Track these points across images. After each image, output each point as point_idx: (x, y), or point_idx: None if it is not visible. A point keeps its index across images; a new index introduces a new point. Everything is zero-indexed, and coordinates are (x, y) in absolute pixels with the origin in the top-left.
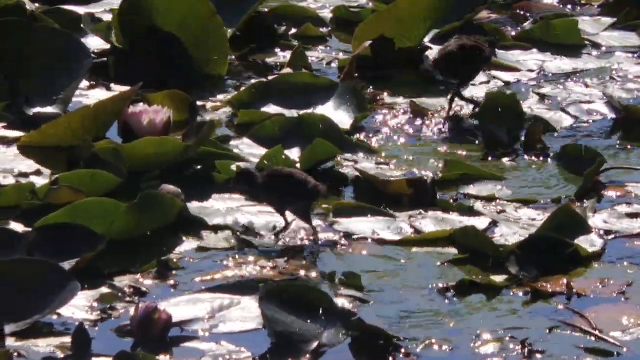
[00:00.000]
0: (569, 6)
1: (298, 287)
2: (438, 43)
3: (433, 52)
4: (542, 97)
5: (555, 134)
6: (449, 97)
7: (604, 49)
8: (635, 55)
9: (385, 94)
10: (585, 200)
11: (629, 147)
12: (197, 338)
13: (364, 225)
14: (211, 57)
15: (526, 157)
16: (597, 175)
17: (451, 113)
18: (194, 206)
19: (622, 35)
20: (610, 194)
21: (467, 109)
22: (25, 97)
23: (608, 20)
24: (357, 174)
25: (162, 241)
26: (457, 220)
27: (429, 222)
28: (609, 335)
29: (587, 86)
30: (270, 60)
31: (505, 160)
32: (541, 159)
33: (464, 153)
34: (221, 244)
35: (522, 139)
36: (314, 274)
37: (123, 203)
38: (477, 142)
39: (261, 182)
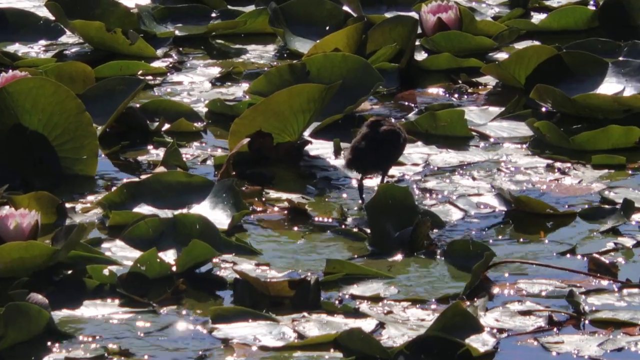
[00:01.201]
0: (455, 95)
1: None
2: (319, 136)
3: (346, 151)
4: (428, 192)
5: (444, 228)
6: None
7: (492, 140)
8: (524, 146)
9: (265, 191)
10: (475, 298)
11: (521, 240)
12: None
13: (244, 331)
14: (80, 156)
15: (414, 253)
16: (485, 271)
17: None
18: (63, 314)
19: (510, 125)
20: (502, 290)
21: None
22: None
23: (496, 110)
24: (237, 276)
25: (29, 352)
26: (342, 323)
27: (313, 326)
28: None
29: (474, 179)
30: (142, 158)
31: (392, 257)
32: (429, 255)
33: (350, 250)
34: (90, 354)
35: (410, 234)
36: None
37: None
38: (364, 238)
39: None
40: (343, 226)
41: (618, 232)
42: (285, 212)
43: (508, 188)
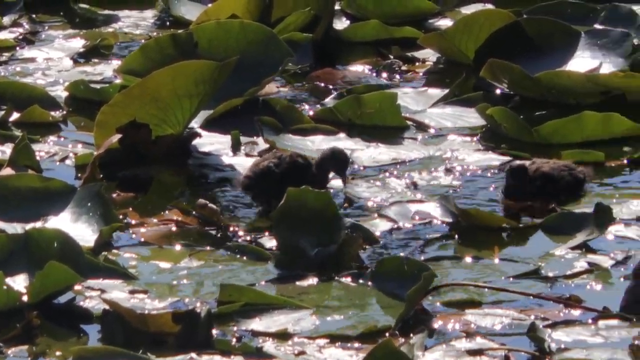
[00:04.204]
0: (385, 74)
1: None
2: (211, 128)
3: (241, 171)
4: (351, 198)
5: (375, 246)
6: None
7: (432, 131)
8: (475, 139)
9: (143, 199)
10: (411, 334)
11: (468, 259)
12: None
13: None
14: None
15: (333, 276)
16: (424, 297)
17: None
18: None
19: (456, 111)
20: (445, 324)
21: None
22: None
23: (437, 93)
24: (106, 307)
25: None
26: None
27: None
28: None
29: (414, 184)
30: None
31: (304, 282)
32: (352, 278)
33: (251, 273)
34: None
35: (333, 253)
36: None
37: None
38: (269, 257)
39: None
40: (243, 242)
41: (590, 248)
42: (170, 224)
43: (453, 194)
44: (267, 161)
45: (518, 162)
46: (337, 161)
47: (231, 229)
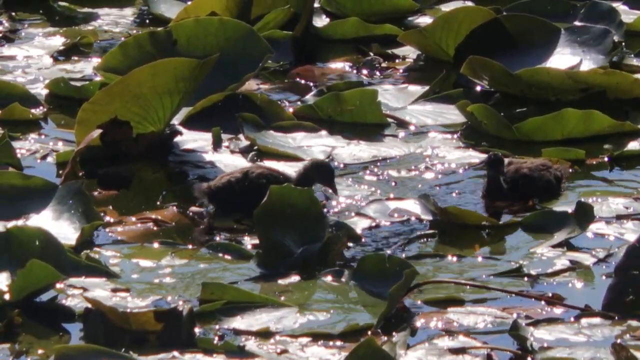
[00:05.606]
0: (365, 72)
1: None
2: (192, 125)
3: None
4: (327, 198)
5: (356, 244)
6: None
7: (413, 128)
8: (455, 136)
9: (124, 196)
10: (393, 332)
11: (450, 257)
12: None
13: None
14: None
15: (321, 277)
16: (406, 294)
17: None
18: None
19: (436, 109)
20: (427, 322)
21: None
22: None
23: (417, 90)
24: (88, 305)
25: None
26: None
27: None
28: None
29: (394, 182)
30: None
31: (286, 280)
32: (334, 275)
33: (233, 271)
34: None
35: (318, 251)
36: None
37: None
38: (252, 255)
39: None
40: (225, 240)
41: (572, 246)
42: (150, 223)
43: (433, 192)
44: (232, 176)
45: (494, 153)
46: (323, 174)
47: (214, 227)
